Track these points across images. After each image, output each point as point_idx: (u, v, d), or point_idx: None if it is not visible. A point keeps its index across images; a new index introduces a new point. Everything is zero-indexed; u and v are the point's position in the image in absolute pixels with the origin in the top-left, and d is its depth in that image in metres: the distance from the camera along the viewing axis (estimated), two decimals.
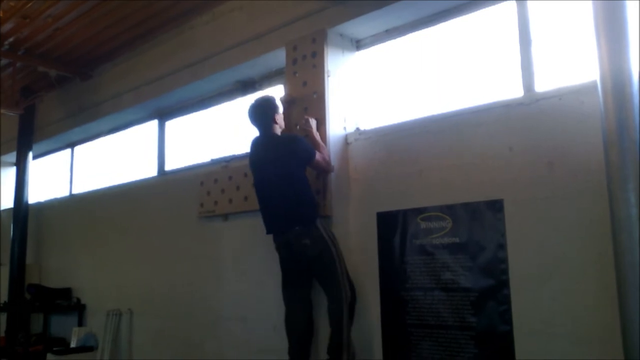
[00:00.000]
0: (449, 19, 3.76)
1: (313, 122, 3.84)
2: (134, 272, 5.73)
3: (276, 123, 3.83)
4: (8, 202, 7.36)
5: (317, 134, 3.83)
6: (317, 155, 3.68)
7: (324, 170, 3.79)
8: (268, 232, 3.79)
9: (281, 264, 3.78)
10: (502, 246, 3.16)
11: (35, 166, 7.43)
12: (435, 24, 3.83)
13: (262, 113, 3.83)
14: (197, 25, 5.09)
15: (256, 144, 3.88)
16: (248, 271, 4.52)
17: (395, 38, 4.04)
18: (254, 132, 3.93)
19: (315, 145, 3.76)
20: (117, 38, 5.61)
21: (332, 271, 3.52)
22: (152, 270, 5.51)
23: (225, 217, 4.75)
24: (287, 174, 3.60)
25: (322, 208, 3.78)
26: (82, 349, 5.86)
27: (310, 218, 3.59)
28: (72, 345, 5.91)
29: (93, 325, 6.04)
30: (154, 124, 6.02)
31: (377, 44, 4.15)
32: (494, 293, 3.16)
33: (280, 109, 3.92)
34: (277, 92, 4.45)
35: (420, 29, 3.91)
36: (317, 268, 3.61)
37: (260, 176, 3.79)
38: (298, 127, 4.01)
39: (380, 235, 3.73)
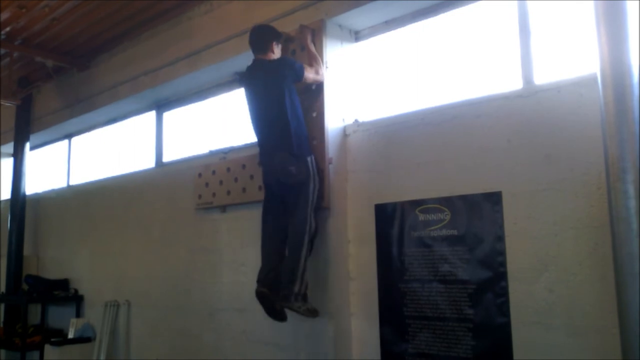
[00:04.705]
0: (448, 11, 3.75)
1: (308, 32, 3.89)
2: (132, 264, 5.74)
3: (273, 52, 3.85)
4: (5, 193, 7.35)
5: (312, 44, 3.88)
6: (307, 71, 3.71)
7: (315, 82, 3.83)
8: (260, 163, 3.83)
9: (265, 189, 3.84)
10: (500, 238, 3.17)
11: (33, 157, 7.41)
12: (435, 15, 3.81)
13: (261, 35, 3.86)
14: (195, 15, 5.06)
15: (248, 71, 3.88)
16: (246, 263, 4.52)
17: (394, 29, 4.03)
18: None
19: (310, 57, 3.82)
20: (114, 28, 5.58)
21: (304, 202, 3.60)
22: (149, 261, 5.51)
23: (223, 208, 4.75)
24: (278, 101, 3.62)
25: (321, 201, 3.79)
26: (80, 340, 5.89)
27: (301, 151, 3.64)
28: (70, 336, 5.94)
29: (91, 317, 6.05)
30: (151, 115, 6.00)
31: (376, 35, 4.13)
32: (492, 285, 3.17)
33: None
34: None
35: (420, 20, 3.89)
36: (292, 195, 3.65)
37: (252, 103, 3.81)
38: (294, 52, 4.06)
39: (379, 227, 3.73)
